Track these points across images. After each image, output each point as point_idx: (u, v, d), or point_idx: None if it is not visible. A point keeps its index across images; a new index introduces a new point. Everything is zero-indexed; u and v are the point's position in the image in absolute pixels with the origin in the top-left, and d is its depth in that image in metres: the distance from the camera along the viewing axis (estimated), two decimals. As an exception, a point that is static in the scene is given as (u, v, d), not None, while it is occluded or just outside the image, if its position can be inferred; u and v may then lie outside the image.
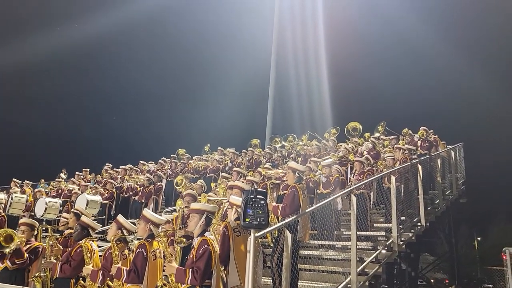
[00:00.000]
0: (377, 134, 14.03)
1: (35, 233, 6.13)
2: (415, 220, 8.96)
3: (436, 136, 12.81)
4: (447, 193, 11.61)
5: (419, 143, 12.20)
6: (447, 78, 29.50)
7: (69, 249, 5.81)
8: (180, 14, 30.74)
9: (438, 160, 11.05)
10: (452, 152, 12.55)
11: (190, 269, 4.24)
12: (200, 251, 4.27)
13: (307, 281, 6.28)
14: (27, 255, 5.75)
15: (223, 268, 4.82)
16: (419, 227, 8.84)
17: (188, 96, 30.82)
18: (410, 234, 8.39)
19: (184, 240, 4.96)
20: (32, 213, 11.17)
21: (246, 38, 29.10)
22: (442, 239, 17.16)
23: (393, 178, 7.93)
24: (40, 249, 5.96)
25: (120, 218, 5.51)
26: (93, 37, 28.45)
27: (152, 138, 28.39)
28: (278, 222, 5.55)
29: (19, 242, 5.84)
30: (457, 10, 29.03)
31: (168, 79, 31.43)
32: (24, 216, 11.91)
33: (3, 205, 10.48)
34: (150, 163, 15.85)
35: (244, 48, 28.90)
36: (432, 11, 29.38)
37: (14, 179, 15.41)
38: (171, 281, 4.55)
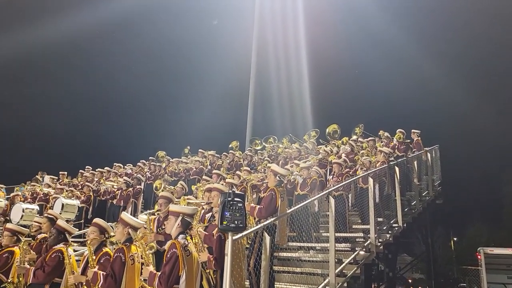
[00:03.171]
0: (354, 137, 14.22)
1: (14, 239, 6.02)
2: (392, 221, 9.11)
3: (420, 138, 13.03)
4: (423, 194, 11.84)
5: (392, 144, 12.38)
6: (423, 80, 30.24)
7: (44, 254, 5.70)
8: (160, 18, 30.57)
9: (415, 162, 11.27)
10: (429, 154, 12.81)
11: (158, 274, 4.22)
12: (168, 255, 4.24)
13: (286, 283, 6.31)
14: None
15: (213, 271, 4.80)
16: (396, 228, 8.98)
17: (169, 98, 30.60)
18: (388, 235, 8.51)
19: (154, 246, 4.92)
20: (8, 218, 10.87)
21: (227, 40, 29.12)
22: (419, 239, 17.53)
23: (370, 180, 8.04)
24: (9, 255, 5.84)
25: (100, 221, 5.37)
26: (74, 39, 28.00)
27: (132, 141, 28.05)
28: (256, 225, 5.57)
29: None
30: (432, 12, 29.84)
31: (149, 82, 31.21)
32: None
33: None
34: (128, 166, 15.62)
35: (224, 50, 28.91)
36: (409, 13, 30.06)
37: (-11, 182, 14.97)
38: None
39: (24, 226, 10.00)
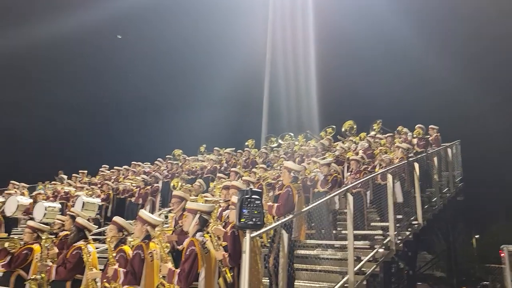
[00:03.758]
0: (372, 133, 14.04)
1: (34, 236, 6.16)
2: (412, 218, 8.97)
3: (438, 134, 12.83)
4: (444, 191, 11.62)
5: (415, 141, 12.21)
6: (442, 78, 29.62)
7: (65, 251, 5.81)
8: (171, 15, 30.67)
9: (435, 158, 11.05)
10: (449, 150, 12.56)
11: (178, 271, 4.23)
12: (187, 253, 4.27)
13: (304, 281, 6.27)
14: (9, 258, 5.89)
15: (229, 269, 4.81)
16: (416, 225, 8.84)
17: (183, 97, 30.72)
18: (408, 233, 8.38)
19: (169, 245, 4.95)
20: (31, 216, 11.13)
21: (240, 37, 29.08)
22: (439, 237, 17.19)
23: (389, 176, 7.92)
24: (28, 252, 5.98)
25: (119, 219, 5.46)
26: (86, 38, 28.44)
27: (148, 140, 28.30)
28: (274, 222, 5.54)
29: (7, 245, 5.95)
30: (449, 13, 29.24)
31: (162, 82, 31.37)
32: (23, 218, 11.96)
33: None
34: (145, 164, 15.80)
35: (238, 48, 28.85)
36: (422, 14, 29.48)
37: (12, 181, 15.35)
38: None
39: (47, 224, 10.27)
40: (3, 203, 11.15)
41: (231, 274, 4.95)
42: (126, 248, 5.08)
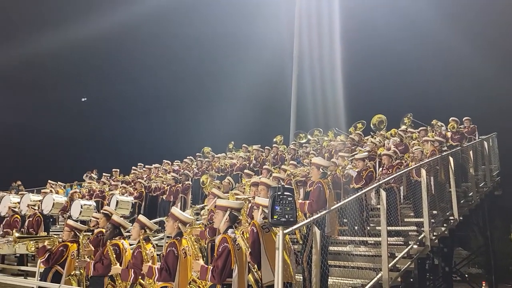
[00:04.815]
0: (403, 127, 13.70)
1: (72, 234, 6.40)
2: (447, 213, 8.70)
3: (474, 125, 12.41)
4: (480, 185, 11.22)
5: (449, 134, 11.84)
6: (479, 67, 28.44)
7: (101, 248, 6.00)
8: (202, 16, 30.93)
9: (471, 152, 10.68)
10: (485, 143, 12.11)
11: (211, 267, 4.26)
12: (220, 250, 4.29)
13: (337, 278, 6.20)
14: (48, 254, 6.18)
15: (256, 266, 4.83)
16: (452, 221, 8.58)
17: (211, 96, 30.95)
18: (443, 229, 8.15)
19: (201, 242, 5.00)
20: (69, 214, 11.58)
21: (267, 34, 28.99)
22: (476, 233, 16.61)
23: (423, 171, 7.70)
24: (64, 249, 6.22)
25: (142, 217, 5.60)
26: (113, 38, 29.10)
27: (178, 138, 28.71)
28: (306, 219, 5.50)
29: (47, 243, 6.23)
30: (485, 4, 28.00)
31: (191, 81, 31.72)
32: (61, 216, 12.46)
33: (37, 206, 10.87)
34: (176, 162, 16.05)
35: (265, 45, 28.80)
36: (455, 5, 28.36)
37: (49, 181, 16.00)
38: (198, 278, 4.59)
39: (83, 221, 10.66)
40: (41, 201, 11.64)
41: (255, 270, 4.96)
42: (143, 244, 5.16)
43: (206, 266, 4.40)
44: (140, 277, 5.07)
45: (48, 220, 11.49)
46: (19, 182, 20.24)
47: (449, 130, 12.04)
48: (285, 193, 3.91)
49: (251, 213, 6.24)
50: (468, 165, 10.57)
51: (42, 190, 13.80)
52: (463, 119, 12.68)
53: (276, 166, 12.08)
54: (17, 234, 6.92)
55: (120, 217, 6.51)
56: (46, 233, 9.46)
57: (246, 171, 11.47)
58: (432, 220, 7.85)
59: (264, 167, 10.91)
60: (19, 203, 11.45)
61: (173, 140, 28.10)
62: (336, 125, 16.97)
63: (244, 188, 9.17)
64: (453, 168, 9.00)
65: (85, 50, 29.63)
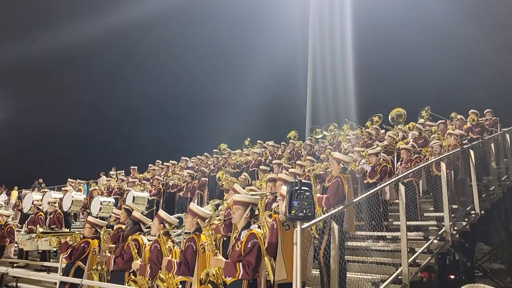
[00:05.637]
0: (421, 120, 13.45)
1: (93, 231, 6.54)
2: (468, 208, 8.53)
3: (496, 118, 12.13)
4: (503, 179, 10.94)
5: (469, 127, 11.58)
6: (499, 58, 27.67)
7: (121, 243, 6.10)
8: (218, 9, 30.90)
9: (492, 144, 10.43)
10: (507, 135, 11.80)
11: (241, 264, 4.24)
12: (249, 245, 4.25)
13: (356, 273, 6.15)
14: (70, 250, 6.37)
15: (272, 259, 4.85)
16: (473, 215, 8.41)
17: (225, 93, 30.91)
18: (464, 223, 7.99)
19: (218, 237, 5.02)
20: (89, 211, 11.83)
21: (282, 30, 28.85)
22: (498, 227, 16.23)
23: (443, 165, 7.56)
24: (85, 245, 6.36)
25: (161, 213, 5.67)
26: (137, 39, 29.40)
27: (194, 135, 28.88)
28: (323, 214, 5.47)
29: (69, 239, 6.38)
30: None
31: (207, 77, 31.78)
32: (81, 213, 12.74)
33: (57, 203, 11.12)
34: (193, 159, 16.16)
35: (279, 36, 28.62)
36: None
37: (69, 179, 16.34)
38: (215, 273, 4.58)
39: (102, 217, 10.87)
40: (61, 199, 11.91)
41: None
42: (161, 240, 5.23)
43: (236, 262, 4.32)
44: (159, 271, 5.14)
45: (68, 217, 11.75)
46: (40, 180, 20.77)
47: (469, 123, 11.78)
48: (302, 187, 3.88)
49: (268, 208, 6.26)
50: (489, 158, 10.33)
51: (63, 188, 14.11)
52: (485, 111, 12.39)
53: (292, 161, 12.03)
54: (41, 229, 7.08)
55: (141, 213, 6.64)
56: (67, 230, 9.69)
57: (262, 167, 11.47)
58: (453, 215, 7.71)
59: (274, 162, 10.87)
60: (41, 200, 11.76)
61: (190, 137, 28.32)
62: (351, 119, 16.79)
63: (260, 184, 9.18)
64: (473, 162, 8.82)
65: (106, 48, 30.06)
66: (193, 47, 31.47)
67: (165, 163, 15.93)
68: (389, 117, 14.33)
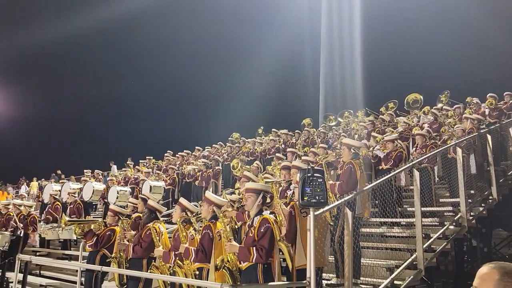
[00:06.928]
0: (439, 105, 13.23)
1: (116, 219, 6.70)
2: (486, 193, 8.43)
3: None
4: (522, 163, 10.74)
5: (487, 111, 11.35)
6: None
7: (139, 231, 6.24)
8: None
9: (510, 129, 10.21)
10: (527, 119, 11.53)
11: (254, 248, 4.32)
12: (262, 230, 4.34)
13: (371, 259, 6.18)
14: (95, 238, 6.52)
15: (290, 245, 4.92)
16: (490, 200, 8.30)
17: (237, 81, 30.76)
18: (481, 209, 7.91)
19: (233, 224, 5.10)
20: (106, 200, 12.10)
21: (294, 13, 28.43)
22: (516, 213, 15.97)
23: (459, 150, 7.47)
24: (111, 233, 6.52)
25: (183, 200, 5.78)
26: (144, 33, 29.47)
27: (207, 125, 28.98)
28: (336, 200, 5.49)
29: (93, 227, 6.56)
30: None
31: (216, 65, 31.63)
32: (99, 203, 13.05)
33: (77, 194, 11.39)
34: (207, 148, 16.28)
35: (290, 23, 28.23)
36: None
37: (85, 170, 16.67)
38: (230, 259, 4.67)
39: (120, 206, 11.09)
40: (81, 189, 12.19)
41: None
42: (181, 227, 5.32)
43: (249, 247, 4.40)
44: (178, 258, 5.26)
45: (87, 206, 12.05)
46: (59, 172, 21.23)
47: (487, 107, 11.55)
48: (315, 174, 3.90)
49: (283, 196, 6.30)
50: (508, 143, 10.14)
51: (82, 178, 14.41)
52: (504, 94, 12.07)
53: (306, 148, 12.01)
54: (67, 218, 7.24)
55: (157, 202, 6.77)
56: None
57: (277, 154, 11.49)
58: (469, 200, 7.63)
59: (288, 150, 10.88)
60: (59, 191, 12.06)
61: (203, 127, 28.42)
62: (366, 105, 16.63)
63: (274, 172, 9.21)
64: (491, 146, 8.68)
65: (115, 42, 30.29)
66: (201, 37, 31.39)
67: (179, 153, 16.09)
68: (405, 101, 14.13)
